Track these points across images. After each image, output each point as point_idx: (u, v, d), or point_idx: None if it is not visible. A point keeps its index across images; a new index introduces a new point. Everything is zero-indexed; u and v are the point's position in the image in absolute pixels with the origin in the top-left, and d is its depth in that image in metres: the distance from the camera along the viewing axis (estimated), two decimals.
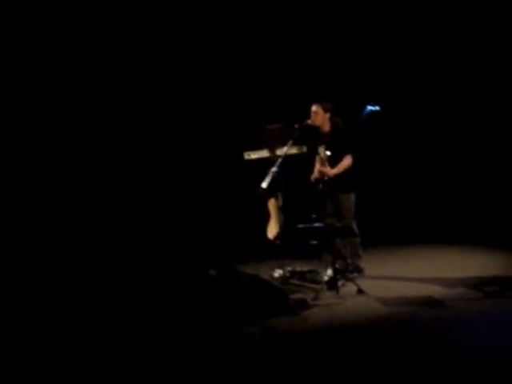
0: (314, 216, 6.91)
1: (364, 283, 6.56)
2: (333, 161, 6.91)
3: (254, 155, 7.53)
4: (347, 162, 6.99)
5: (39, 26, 8.44)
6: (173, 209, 8.48)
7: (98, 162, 8.59)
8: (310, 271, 7.21)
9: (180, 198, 8.54)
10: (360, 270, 7.13)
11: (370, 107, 7.13)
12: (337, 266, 6.56)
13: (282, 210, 7.34)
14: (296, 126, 6.96)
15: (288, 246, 7.25)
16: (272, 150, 7.37)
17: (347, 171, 6.98)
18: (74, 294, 6.37)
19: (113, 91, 8.87)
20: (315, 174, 7.09)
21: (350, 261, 7.11)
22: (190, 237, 7.57)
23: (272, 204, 7.40)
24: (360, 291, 6.41)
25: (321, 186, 6.90)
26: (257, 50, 9.48)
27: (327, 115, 7.14)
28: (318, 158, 7.03)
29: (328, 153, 6.81)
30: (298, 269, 7.32)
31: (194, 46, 9.33)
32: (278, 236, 7.31)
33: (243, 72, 9.43)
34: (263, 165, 7.15)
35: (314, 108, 7.13)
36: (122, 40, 8.92)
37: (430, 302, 5.98)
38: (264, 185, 6.70)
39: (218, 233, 7.86)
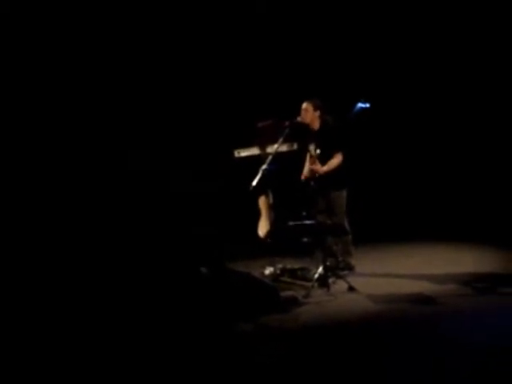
0: (304, 213, 6.89)
1: (355, 280, 6.56)
2: (323, 158, 6.91)
3: (243, 153, 7.50)
4: (337, 159, 6.99)
5: (39, 25, 8.40)
6: (173, 209, 8.45)
7: (98, 161, 8.56)
8: (300, 269, 7.19)
9: (180, 198, 8.51)
10: (351, 268, 7.13)
11: (360, 104, 7.12)
12: (328, 263, 6.55)
13: (272, 208, 7.32)
14: (286, 123, 6.94)
15: (279, 244, 7.23)
16: (262, 147, 7.35)
17: (338, 168, 6.98)
18: (71, 292, 6.35)
19: (113, 91, 8.85)
20: (305, 172, 7.08)
21: (340, 258, 7.11)
22: (190, 237, 7.54)
23: (262, 202, 7.37)
24: (351, 288, 6.40)
25: (312, 183, 6.90)
26: (250, 48, 9.47)
27: (317, 113, 7.14)
28: (308, 156, 7.02)
29: (318, 150, 6.81)
30: (289, 266, 7.30)
31: (193, 46, 9.32)
32: (269, 234, 7.29)
33: (240, 70, 9.42)
34: (254, 162, 7.13)
35: (304, 105, 7.13)
36: (121, 40, 8.90)
37: (421, 299, 5.98)
38: (253, 183, 6.68)
39: (218, 233, 7.84)
